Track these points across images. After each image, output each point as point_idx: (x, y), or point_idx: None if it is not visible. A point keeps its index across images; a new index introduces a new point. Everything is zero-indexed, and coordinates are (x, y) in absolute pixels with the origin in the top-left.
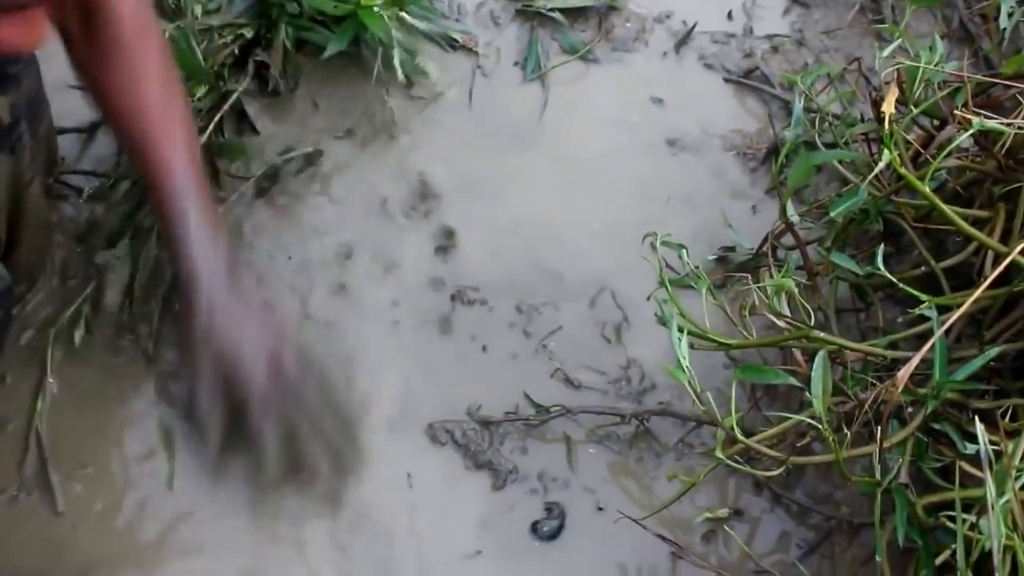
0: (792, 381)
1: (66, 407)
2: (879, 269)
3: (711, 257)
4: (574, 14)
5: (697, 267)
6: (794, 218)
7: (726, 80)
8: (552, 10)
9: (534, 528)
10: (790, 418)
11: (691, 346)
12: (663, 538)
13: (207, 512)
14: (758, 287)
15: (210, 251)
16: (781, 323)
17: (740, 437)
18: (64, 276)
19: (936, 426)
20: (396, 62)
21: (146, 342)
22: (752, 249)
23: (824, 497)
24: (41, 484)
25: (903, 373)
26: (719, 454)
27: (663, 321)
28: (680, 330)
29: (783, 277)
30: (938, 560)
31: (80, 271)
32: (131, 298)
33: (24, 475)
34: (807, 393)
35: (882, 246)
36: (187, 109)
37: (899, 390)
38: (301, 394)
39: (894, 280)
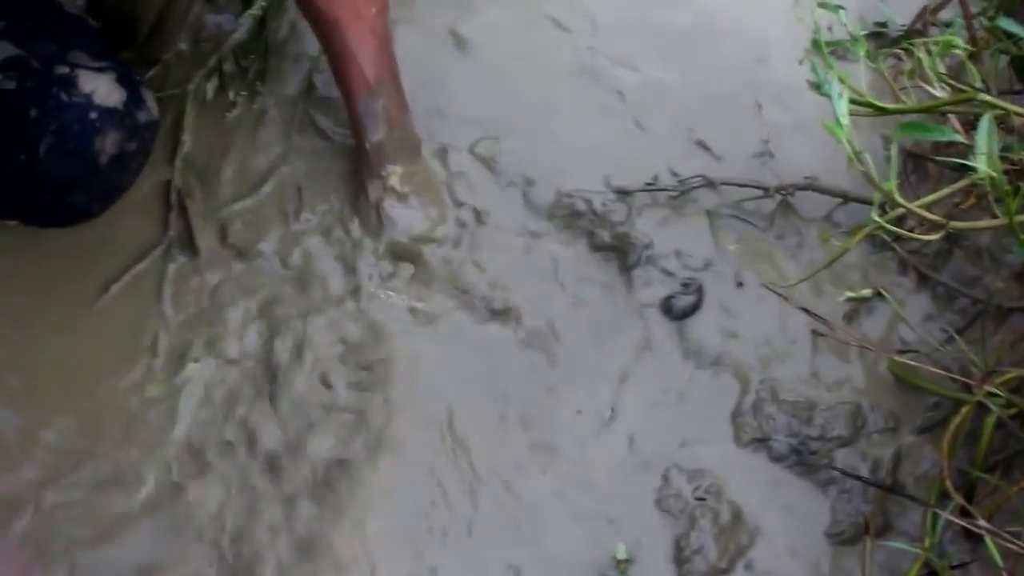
0: (958, 138)
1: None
2: None
3: (863, 32)
4: None
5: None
6: None
7: None
8: None
9: (667, 305)
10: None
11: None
12: (806, 311)
13: None
14: (917, 48)
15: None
16: (939, 92)
17: (899, 200)
18: (196, 39)
19: None
20: None
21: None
22: (905, 25)
23: (972, 280)
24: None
25: None
26: (875, 216)
27: (816, 85)
28: (839, 93)
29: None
30: None
31: (211, 31)
32: (263, 61)
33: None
34: (966, 162)
35: None
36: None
37: None
38: None
39: None
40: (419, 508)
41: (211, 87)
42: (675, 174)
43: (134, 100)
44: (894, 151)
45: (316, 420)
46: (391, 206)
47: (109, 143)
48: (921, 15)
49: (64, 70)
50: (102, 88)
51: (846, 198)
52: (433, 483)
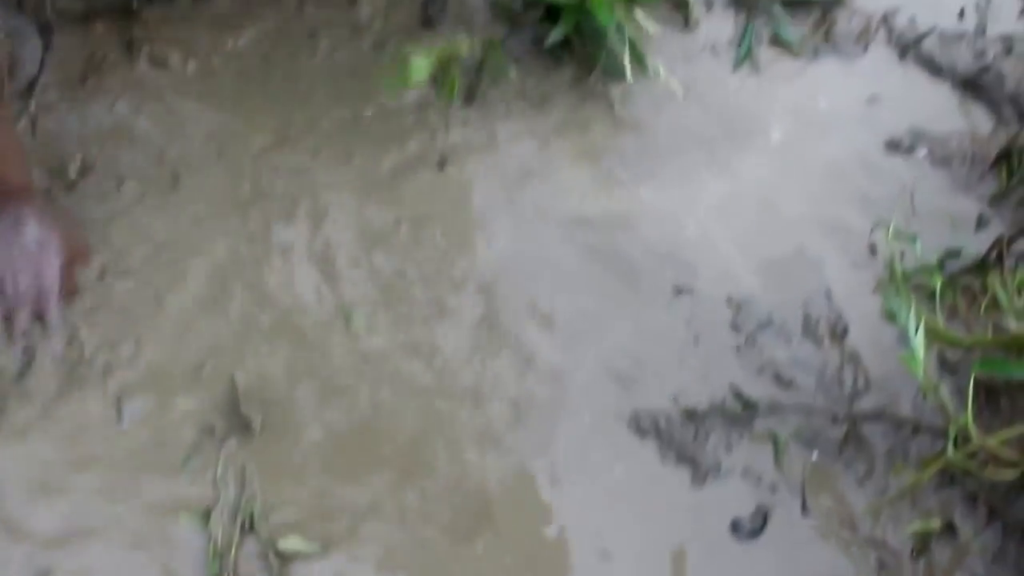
0: None
1: None
2: None
3: (932, 261)
4: (794, 6)
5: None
6: None
7: (952, 82)
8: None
9: (734, 526)
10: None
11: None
12: (874, 543)
13: None
14: (993, 281)
15: None
16: (1017, 326)
17: (975, 435)
18: None
19: None
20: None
21: None
22: (978, 255)
23: None
24: None
25: None
26: (951, 452)
27: (891, 316)
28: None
29: None
30: None
31: None
32: None
33: None
34: None
35: None
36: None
37: None
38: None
39: None
40: None
41: None
42: (743, 398)
43: None
44: (970, 385)
45: None
46: None
47: None
48: (995, 245)
49: None
50: None
51: (917, 429)
52: None
